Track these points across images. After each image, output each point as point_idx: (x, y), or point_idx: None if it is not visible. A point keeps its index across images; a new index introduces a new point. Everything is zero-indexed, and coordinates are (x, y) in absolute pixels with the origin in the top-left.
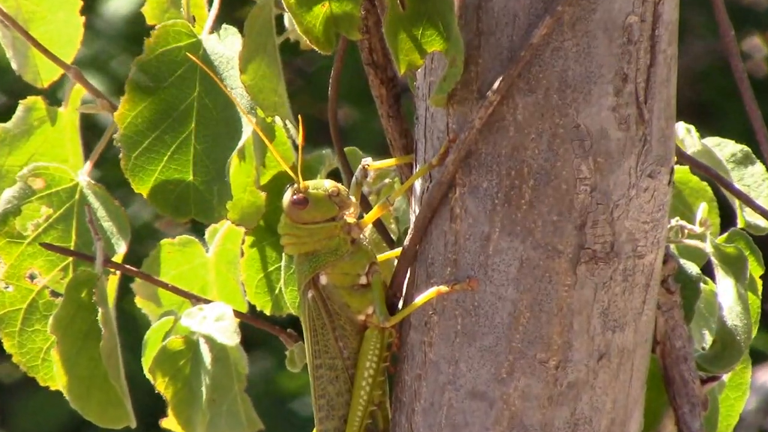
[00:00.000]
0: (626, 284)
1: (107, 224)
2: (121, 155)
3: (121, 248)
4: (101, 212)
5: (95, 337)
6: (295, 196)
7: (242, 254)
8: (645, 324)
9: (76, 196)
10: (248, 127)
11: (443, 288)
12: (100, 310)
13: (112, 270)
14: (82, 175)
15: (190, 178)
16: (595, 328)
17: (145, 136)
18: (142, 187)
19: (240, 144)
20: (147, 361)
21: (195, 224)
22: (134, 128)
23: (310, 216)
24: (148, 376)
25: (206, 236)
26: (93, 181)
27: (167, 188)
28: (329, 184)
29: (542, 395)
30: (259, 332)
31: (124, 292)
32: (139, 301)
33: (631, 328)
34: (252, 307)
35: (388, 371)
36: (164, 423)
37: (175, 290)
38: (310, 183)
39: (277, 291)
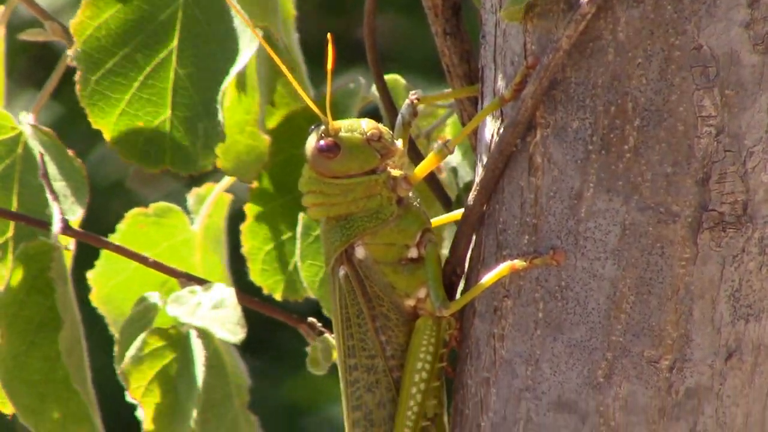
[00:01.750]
0: (763, 258)
1: (59, 184)
2: (77, 79)
3: (76, 214)
4: (52, 168)
5: (52, 328)
6: (322, 141)
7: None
8: None
9: (19, 149)
10: (250, 47)
11: (519, 263)
12: (57, 289)
13: (66, 243)
14: (27, 120)
15: (168, 113)
16: (723, 316)
17: (110, 53)
18: (103, 122)
19: (238, 68)
20: (119, 361)
21: (179, 181)
22: (96, 43)
23: (343, 167)
24: (121, 380)
25: (189, 203)
26: (42, 127)
27: (135, 126)
28: (367, 125)
29: (652, 406)
30: (263, 325)
31: (79, 271)
32: (95, 299)
33: None
34: (257, 291)
35: (446, 374)
36: None
37: (158, 266)
38: (342, 123)
39: (291, 268)
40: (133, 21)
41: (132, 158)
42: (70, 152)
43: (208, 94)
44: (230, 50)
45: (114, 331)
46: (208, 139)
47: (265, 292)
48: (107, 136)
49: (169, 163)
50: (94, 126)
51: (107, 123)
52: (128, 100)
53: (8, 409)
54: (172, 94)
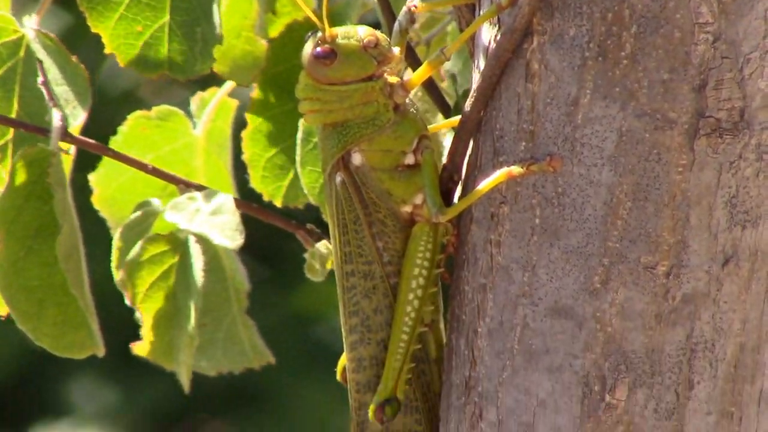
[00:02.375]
0: (760, 165)
1: (60, 89)
2: None
3: (78, 119)
4: (54, 73)
5: (50, 234)
6: (319, 48)
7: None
8: None
9: (21, 53)
10: None
11: (516, 169)
12: (56, 195)
13: (66, 149)
14: (30, 24)
15: (166, 17)
16: (720, 222)
17: None
18: (102, 26)
19: None
20: (117, 267)
21: (190, 89)
22: None
23: (340, 74)
24: (118, 285)
25: (192, 107)
26: (45, 31)
27: (133, 30)
28: (364, 32)
29: (648, 312)
30: (267, 232)
31: (81, 182)
32: (97, 201)
33: (766, 224)
34: (258, 198)
35: (443, 280)
36: (137, 348)
37: (158, 173)
38: (339, 30)
39: (291, 175)
40: None
41: (130, 63)
42: (73, 57)
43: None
44: None
45: (115, 234)
46: (205, 43)
47: (266, 198)
48: (105, 40)
49: (167, 68)
50: (93, 30)
51: (106, 27)
52: (127, 4)
53: (2, 310)
54: None
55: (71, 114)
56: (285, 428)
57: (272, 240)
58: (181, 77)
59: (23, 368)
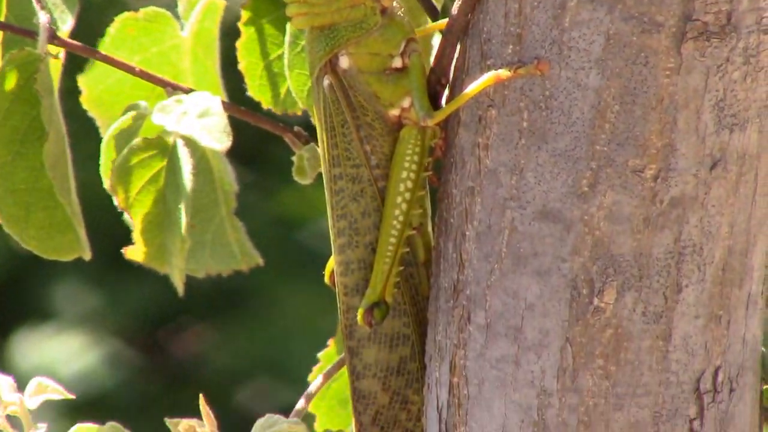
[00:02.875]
0: (748, 68)
1: None
2: None
3: (66, 24)
4: None
5: (37, 138)
6: None
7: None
8: None
9: None
10: None
11: (504, 72)
12: (43, 101)
13: (55, 54)
14: None
15: None
16: (707, 126)
17: None
18: None
19: None
20: (106, 172)
21: None
22: None
23: None
24: (108, 190)
25: (180, 9)
26: None
27: None
28: None
29: (636, 215)
30: (249, 136)
31: (75, 84)
32: (86, 102)
33: (754, 127)
34: (256, 106)
35: (431, 183)
36: (128, 252)
37: (145, 75)
38: None
39: (287, 83)
40: None
41: None
42: None
43: None
44: None
45: (104, 136)
46: None
47: (264, 106)
48: None
49: None
50: None
51: None
52: None
53: None
54: None
55: (59, 18)
56: (269, 331)
57: (255, 144)
58: None
59: (8, 273)
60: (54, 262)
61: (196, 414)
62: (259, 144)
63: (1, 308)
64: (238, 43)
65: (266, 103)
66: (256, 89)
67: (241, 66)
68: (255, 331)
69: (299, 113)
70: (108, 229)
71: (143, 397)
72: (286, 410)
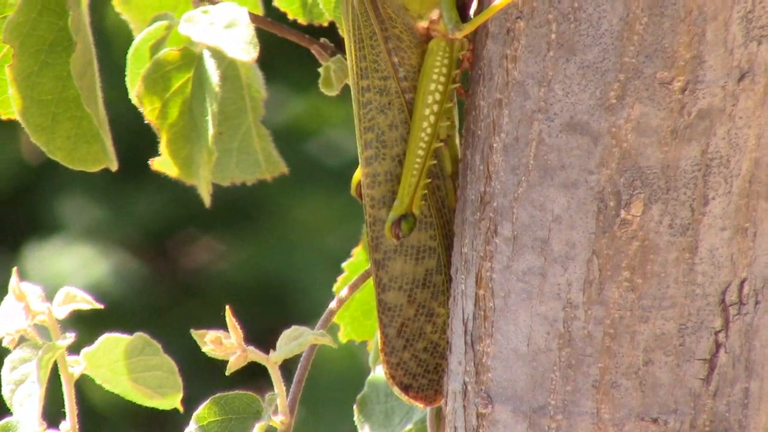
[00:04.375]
0: None
1: None
2: None
3: None
4: None
5: (64, 48)
6: None
7: None
8: None
9: None
10: None
11: None
12: (71, 12)
13: None
14: None
15: None
16: (735, 37)
17: None
18: None
19: None
20: (133, 83)
21: None
22: None
23: None
24: (135, 101)
25: None
26: None
27: None
28: None
29: (664, 127)
30: (272, 48)
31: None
32: (118, 4)
33: None
34: (282, 18)
35: (458, 95)
36: (155, 164)
37: None
38: None
39: None
40: None
41: None
42: None
43: None
44: None
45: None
46: None
47: (290, 17)
48: None
49: None
50: None
51: None
52: None
53: (7, 113)
54: None
55: None
56: (277, 243)
57: (262, 55)
58: None
59: (15, 185)
60: (62, 173)
61: (207, 325)
62: (267, 55)
63: (9, 222)
64: None
65: (293, 14)
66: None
67: None
68: (264, 243)
69: (325, 24)
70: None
71: (151, 308)
72: (296, 323)
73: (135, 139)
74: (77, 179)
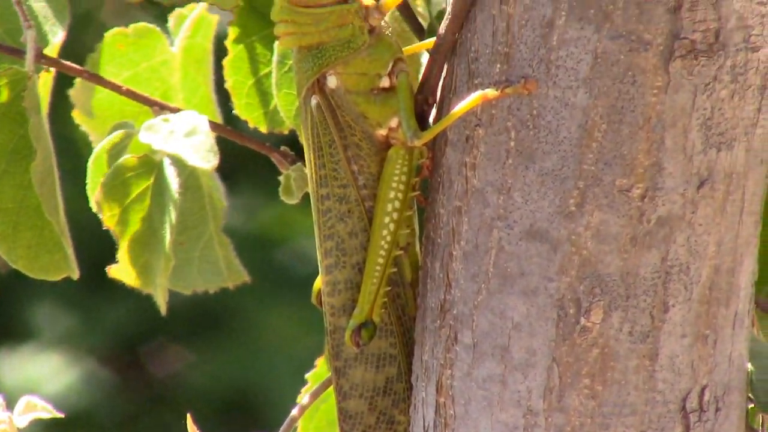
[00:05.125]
0: (735, 86)
1: (39, 5)
2: None
3: (57, 36)
4: None
5: (24, 156)
6: None
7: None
8: (760, 140)
9: None
10: None
11: (491, 92)
12: (31, 119)
13: (45, 67)
14: None
15: None
16: (695, 144)
17: None
18: None
19: None
20: (93, 190)
21: (154, 8)
22: None
23: None
24: (94, 208)
25: (170, 25)
26: None
27: None
28: None
29: (623, 235)
30: (233, 156)
31: (61, 101)
32: (77, 116)
33: (741, 146)
34: (243, 126)
35: (418, 203)
36: (113, 271)
37: (132, 94)
38: None
39: (275, 101)
40: None
41: None
42: None
43: None
44: None
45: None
46: None
47: (251, 125)
48: None
49: None
50: None
51: None
52: None
53: None
54: None
55: (50, 31)
56: (247, 351)
57: (234, 163)
58: (166, 1)
59: None
60: (33, 280)
61: None
62: (239, 163)
63: None
64: (225, 62)
65: (253, 122)
66: (243, 108)
67: (228, 84)
68: (233, 352)
69: (286, 132)
70: (85, 248)
71: (121, 416)
72: (264, 431)
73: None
74: (48, 287)
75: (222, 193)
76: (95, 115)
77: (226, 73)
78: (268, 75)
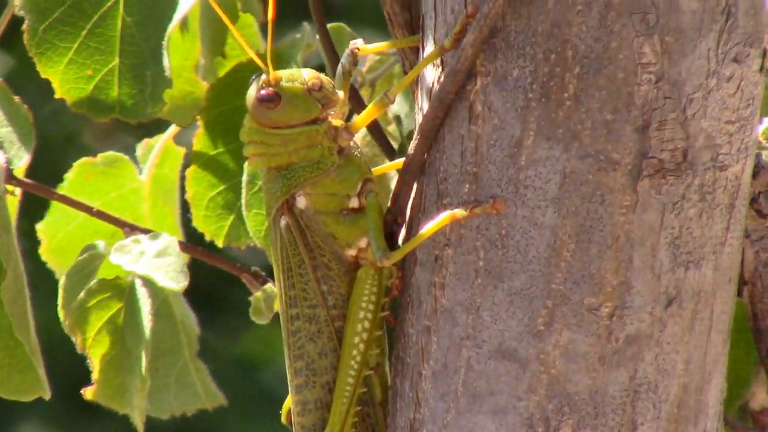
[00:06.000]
0: (703, 205)
1: (5, 130)
2: (24, 29)
3: (22, 160)
4: None
5: None
6: (263, 91)
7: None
8: (728, 258)
9: None
10: None
11: (460, 212)
12: (0, 239)
13: (11, 190)
14: None
15: (115, 60)
16: (663, 263)
17: (58, 2)
18: (51, 71)
19: (180, 14)
20: (64, 312)
21: (133, 135)
22: None
23: (284, 117)
24: (66, 330)
25: (138, 153)
26: None
27: (83, 74)
28: (308, 75)
29: (592, 354)
30: (208, 276)
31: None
32: (45, 252)
33: (709, 264)
34: (200, 238)
35: (387, 323)
36: (88, 393)
37: (103, 215)
38: (283, 73)
39: (234, 215)
40: None
41: (81, 107)
42: (16, 98)
43: (154, 41)
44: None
45: (61, 279)
46: (155, 86)
47: (208, 238)
48: (55, 84)
49: (118, 112)
50: (43, 75)
51: (56, 72)
52: (76, 49)
53: None
54: (120, 42)
55: (16, 155)
56: None
57: (213, 285)
58: (132, 120)
59: None
60: (12, 402)
61: None
62: (215, 284)
63: None
64: (187, 173)
65: (210, 235)
66: (201, 220)
67: (188, 195)
68: None
69: (242, 248)
70: (66, 367)
71: None
72: None
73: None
74: (31, 406)
75: (194, 320)
76: (64, 251)
77: (188, 183)
78: (229, 188)
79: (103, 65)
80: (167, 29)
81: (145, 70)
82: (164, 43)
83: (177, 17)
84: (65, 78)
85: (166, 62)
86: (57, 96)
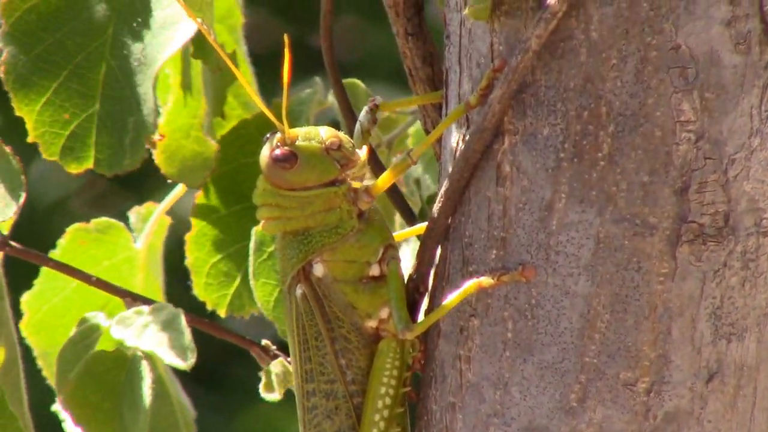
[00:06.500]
0: (746, 273)
1: None
2: (2, 61)
3: (11, 210)
4: None
5: None
6: (278, 150)
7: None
8: None
9: None
10: (183, 35)
11: (486, 280)
12: None
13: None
14: None
15: (96, 106)
16: (703, 335)
17: (40, 39)
18: (26, 110)
19: (167, 54)
20: (60, 386)
21: (125, 200)
22: (25, 26)
23: (301, 178)
24: (62, 406)
25: (132, 220)
26: None
27: (60, 118)
28: (326, 133)
29: (628, 431)
30: (214, 355)
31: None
32: (26, 326)
33: (753, 337)
34: (199, 307)
35: (410, 399)
36: None
37: (103, 285)
38: (299, 131)
39: (237, 283)
40: (66, 6)
41: (53, 154)
42: (7, 149)
43: (140, 88)
44: (165, 43)
45: (42, 364)
46: (137, 133)
47: (209, 307)
48: (29, 126)
49: (94, 162)
50: (18, 113)
51: (31, 111)
52: (55, 89)
53: None
54: (102, 86)
55: (1, 211)
56: None
57: (215, 362)
58: (108, 173)
59: None
60: None
61: None
62: (220, 362)
63: None
64: (187, 237)
65: (211, 304)
66: (202, 288)
67: (188, 262)
68: None
69: (246, 317)
70: None
71: None
72: None
73: None
74: None
75: (188, 403)
76: (46, 327)
77: (188, 249)
78: (232, 255)
79: (83, 110)
80: (153, 74)
81: (128, 117)
82: (150, 85)
83: (163, 57)
84: (40, 120)
85: (151, 104)
86: (30, 140)
